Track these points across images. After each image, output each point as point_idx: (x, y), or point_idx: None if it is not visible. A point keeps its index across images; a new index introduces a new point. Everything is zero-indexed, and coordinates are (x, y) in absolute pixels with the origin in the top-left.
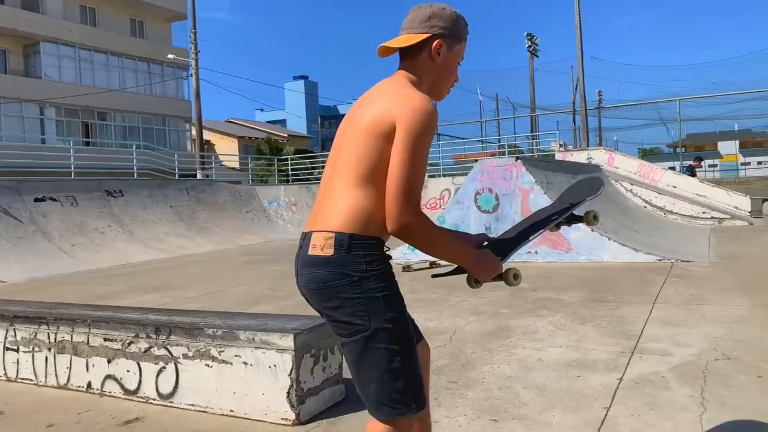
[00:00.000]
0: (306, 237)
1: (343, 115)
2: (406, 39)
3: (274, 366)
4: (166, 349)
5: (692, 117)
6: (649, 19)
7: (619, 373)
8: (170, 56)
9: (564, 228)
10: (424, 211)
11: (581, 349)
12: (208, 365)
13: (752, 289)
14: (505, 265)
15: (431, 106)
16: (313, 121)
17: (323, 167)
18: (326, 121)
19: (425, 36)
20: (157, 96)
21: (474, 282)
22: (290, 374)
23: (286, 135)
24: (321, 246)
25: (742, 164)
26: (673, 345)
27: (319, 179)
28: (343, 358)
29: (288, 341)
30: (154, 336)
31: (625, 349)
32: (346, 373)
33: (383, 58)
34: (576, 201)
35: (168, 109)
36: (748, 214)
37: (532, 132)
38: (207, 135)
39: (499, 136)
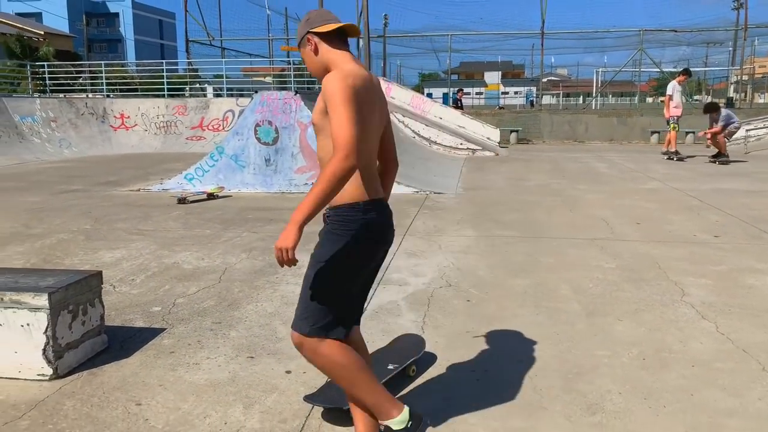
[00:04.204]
0: (384, 199)
1: (115, 14)
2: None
3: (27, 325)
4: None
5: (462, 49)
6: None
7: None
8: None
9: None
10: (206, 132)
11: None
12: None
13: (480, 220)
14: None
15: None
16: (77, 19)
17: (91, 74)
18: (93, 18)
19: None
20: None
21: None
22: (45, 332)
23: (42, 33)
24: None
25: (503, 93)
26: (411, 275)
27: (85, 88)
28: (104, 310)
29: (42, 300)
30: None
31: None
32: (109, 321)
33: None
34: (405, 362)
35: None
36: (497, 144)
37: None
38: None
39: (289, 58)
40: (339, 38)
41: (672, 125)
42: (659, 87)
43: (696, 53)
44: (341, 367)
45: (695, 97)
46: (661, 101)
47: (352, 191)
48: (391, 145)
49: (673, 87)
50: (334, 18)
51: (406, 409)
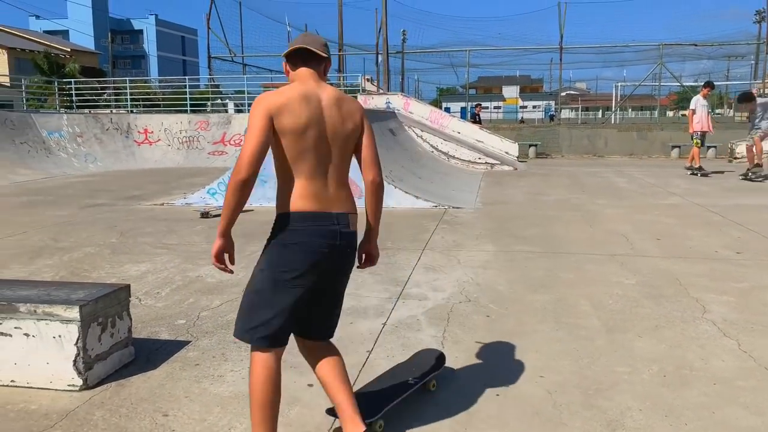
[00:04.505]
0: (341, 216)
1: (139, 31)
2: (322, 52)
3: (59, 336)
4: None
5: (480, 64)
6: None
7: (384, 318)
8: None
9: (358, 174)
10: (227, 147)
11: (357, 296)
12: None
13: (499, 235)
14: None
15: None
16: (102, 36)
17: (116, 90)
18: (118, 35)
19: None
20: None
21: None
22: (76, 344)
23: (69, 50)
24: (355, 224)
25: (521, 107)
26: (430, 290)
27: (110, 104)
28: (131, 322)
29: (73, 313)
30: None
31: (392, 295)
32: (136, 334)
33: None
34: (426, 377)
35: None
36: (516, 158)
37: (339, 69)
38: None
39: None
40: (300, 58)
41: (695, 141)
42: (680, 101)
43: (717, 67)
44: (253, 387)
45: (717, 111)
46: (683, 115)
47: (282, 203)
48: (367, 163)
49: (696, 101)
50: (302, 41)
51: None
